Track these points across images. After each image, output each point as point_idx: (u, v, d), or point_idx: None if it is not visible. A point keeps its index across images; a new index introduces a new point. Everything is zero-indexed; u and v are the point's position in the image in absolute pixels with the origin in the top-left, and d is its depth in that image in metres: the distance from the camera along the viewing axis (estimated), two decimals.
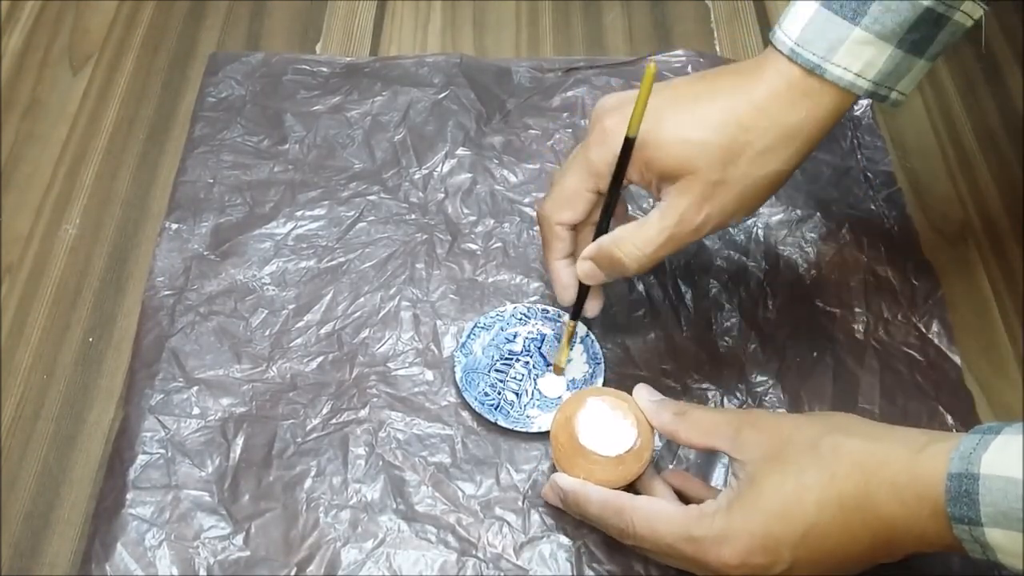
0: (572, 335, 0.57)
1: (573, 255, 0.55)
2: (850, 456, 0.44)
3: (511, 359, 0.58)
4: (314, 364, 0.58)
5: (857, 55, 0.49)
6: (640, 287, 0.61)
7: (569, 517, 0.52)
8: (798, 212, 0.65)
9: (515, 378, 0.57)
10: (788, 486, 0.45)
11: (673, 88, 0.52)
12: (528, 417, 0.55)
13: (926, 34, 0.49)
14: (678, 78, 0.54)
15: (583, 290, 0.55)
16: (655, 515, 0.48)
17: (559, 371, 0.57)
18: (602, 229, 0.53)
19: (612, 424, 0.51)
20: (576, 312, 0.56)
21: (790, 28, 0.50)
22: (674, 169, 0.50)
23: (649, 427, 0.51)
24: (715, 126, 0.50)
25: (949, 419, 0.56)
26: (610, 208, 0.53)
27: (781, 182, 0.51)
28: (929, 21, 0.48)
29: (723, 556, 0.45)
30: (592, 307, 0.57)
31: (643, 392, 0.52)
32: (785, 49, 0.50)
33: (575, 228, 0.54)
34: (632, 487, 0.50)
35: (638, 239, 0.51)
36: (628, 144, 0.50)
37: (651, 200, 0.58)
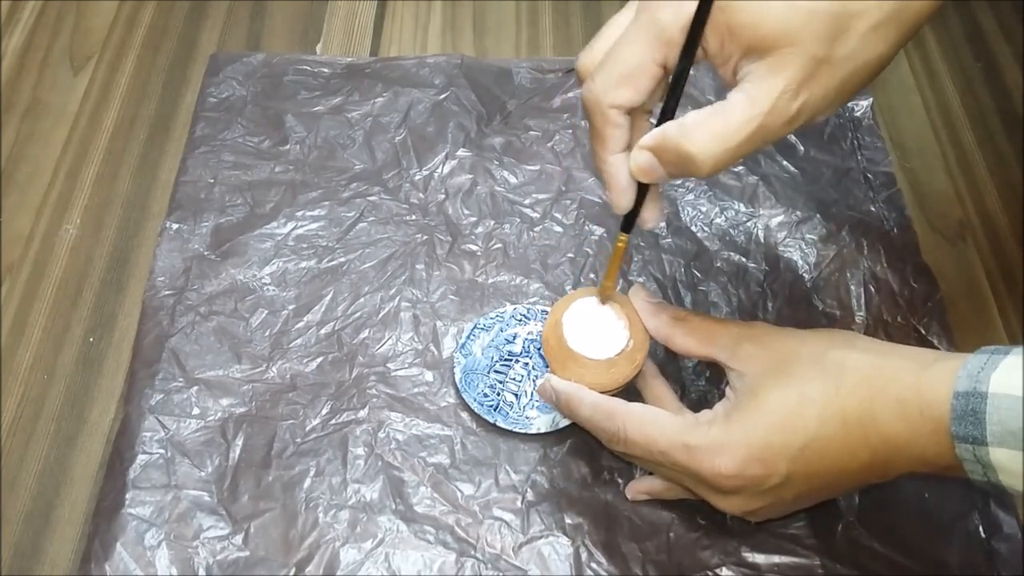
0: (623, 253, 0.49)
1: (630, 148, 0.45)
2: (856, 371, 0.43)
3: (510, 360, 0.58)
4: (314, 364, 0.58)
5: None
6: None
7: (568, 517, 0.52)
8: (798, 213, 0.65)
9: (514, 379, 0.57)
10: (791, 399, 0.44)
11: None
12: (527, 418, 0.56)
13: None
14: None
15: (640, 193, 0.46)
16: (648, 421, 0.47)
17: (606, 297, 0.51)
18: (670, 111, 0.43)
19: (602, 325, 0.49)
20: (629, 222, 0.47)
21: None
22: (769, 39, 0.40)
23: (644, 329, 0.49)
24: None
25: None
26: (681, 85, 0.42)
27: (878, 72, 0.43)
28: None
29: (717, 466, 0.44)
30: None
31: (640, 293, 0.50)
32: None
33: (631, 113, 0.44)
34: (628, 394, 0.49)
35: (715, 129, 0.41)
36: None
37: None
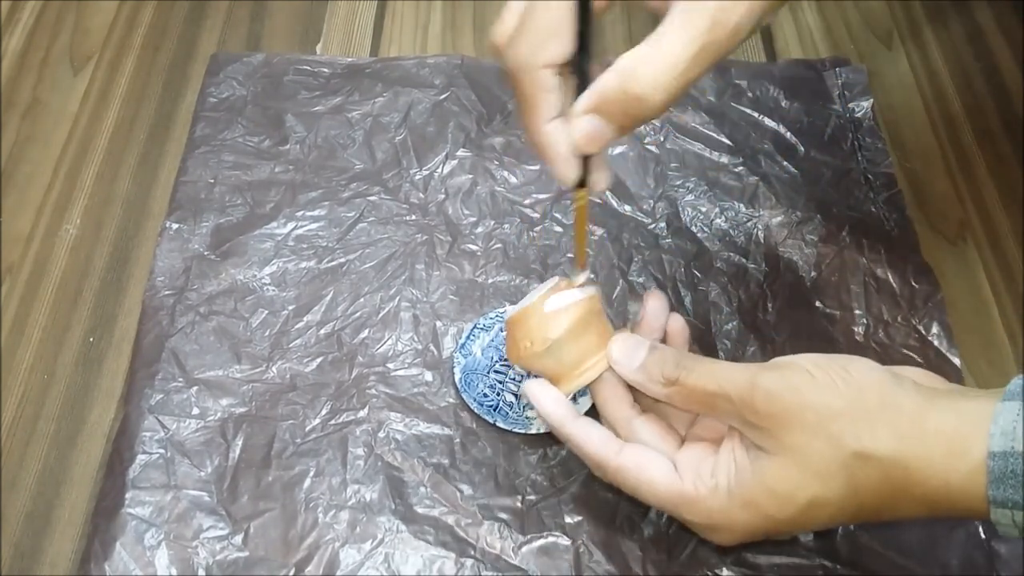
0: (585, 210, 0.46)
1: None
2: (879, 466, 0.39)
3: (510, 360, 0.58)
4: (314, 364, 0.58)
5: None
6: (639, 289, 0.61)
7: (568, 517, 0.52)
8: (798, 214, 0.65)
9: (514, 379, 0.57)
10: (804, 494, 0.41)
11: None
12: (527, 419, 0.56)
13: None
14: None
15: (585, 162, 0.44)
16: (644, 482, 0.45)
17: (583, 265, 0.49)
18: (583, 68, 0.40)
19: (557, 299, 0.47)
20: (581, 184, 0.45)
21: None
22: None
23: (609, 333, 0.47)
24: None
25: None
26: (586, 36, 0.40)
27: None
28: None
29: (715, 537, 0.45)
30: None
31: (620, 350, 0.46)
32: None
33: (562, 74, 0.42)
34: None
35: (659, 62, 0.38)
36: None
37: None
